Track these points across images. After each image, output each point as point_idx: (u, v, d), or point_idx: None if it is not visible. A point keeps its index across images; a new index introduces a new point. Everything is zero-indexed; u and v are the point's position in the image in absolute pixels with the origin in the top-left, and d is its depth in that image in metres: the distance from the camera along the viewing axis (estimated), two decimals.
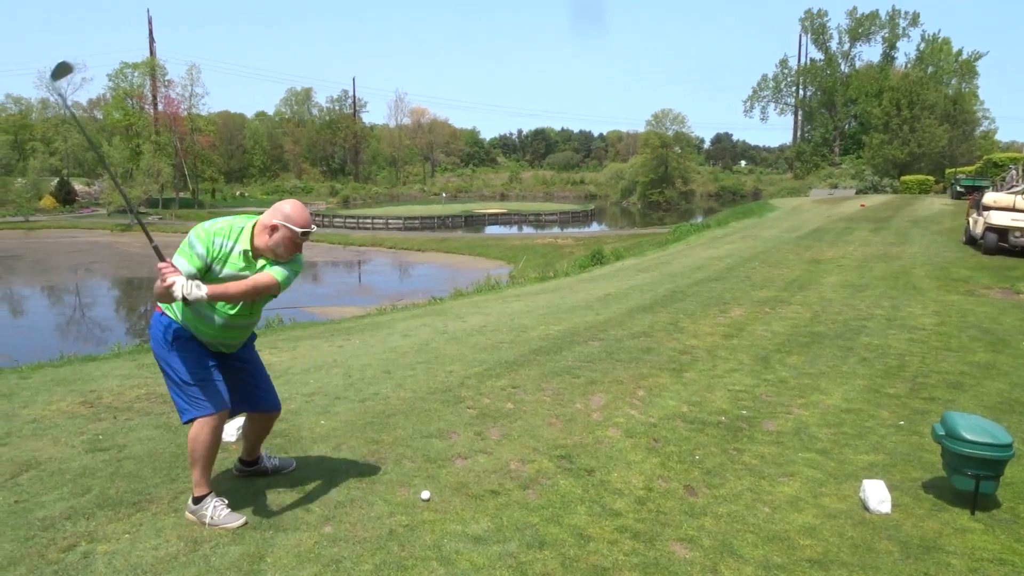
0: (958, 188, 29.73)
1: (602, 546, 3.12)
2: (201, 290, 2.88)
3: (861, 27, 65.39)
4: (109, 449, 4.08)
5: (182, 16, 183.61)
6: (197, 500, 3.19)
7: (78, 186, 56.88)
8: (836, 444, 4.39)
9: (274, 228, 3.10)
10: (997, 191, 18.04)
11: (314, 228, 3.21)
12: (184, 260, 2.99)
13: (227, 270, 3.07)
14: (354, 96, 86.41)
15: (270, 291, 3.12)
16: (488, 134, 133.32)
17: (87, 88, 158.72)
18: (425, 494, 3.52)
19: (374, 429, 4.44)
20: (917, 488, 3.79)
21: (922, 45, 62.39)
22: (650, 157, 65.47)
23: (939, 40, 61.10)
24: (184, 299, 2.86)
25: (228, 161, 73.75)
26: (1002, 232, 13.48)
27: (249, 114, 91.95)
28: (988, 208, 14.23)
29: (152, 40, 58.53)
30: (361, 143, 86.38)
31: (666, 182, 65.13)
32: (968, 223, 15.61)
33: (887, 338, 7.17)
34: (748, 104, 73.35)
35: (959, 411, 4.25)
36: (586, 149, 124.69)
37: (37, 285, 26.24)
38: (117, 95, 56.15)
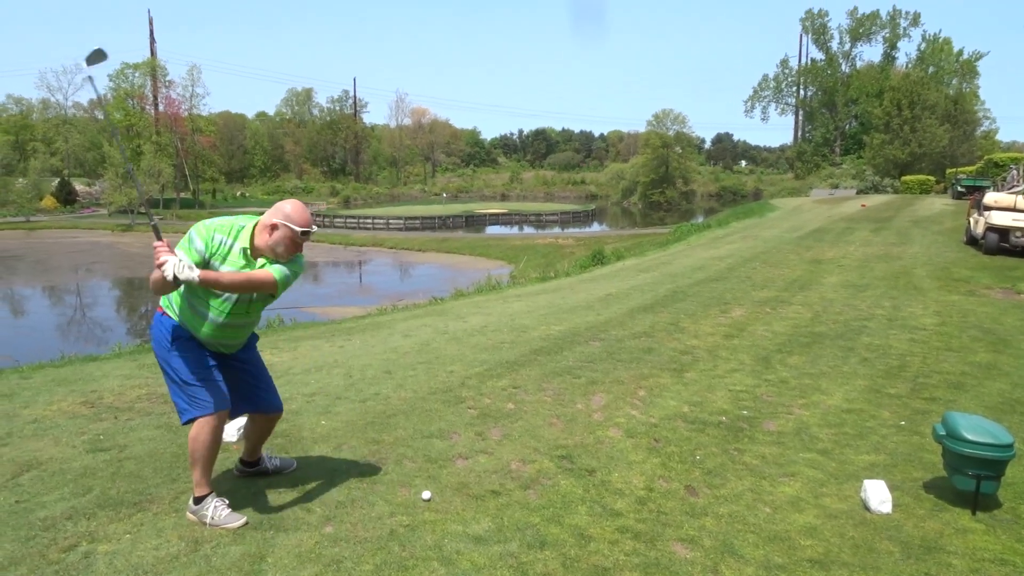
0: (959, 188, 29.71)
1: (603, 546, 3.12)
2: (193, 272, 2.88)
3: (862, 27, 65.39)
4: (110, 449, 4.08)
5: (183, 16, 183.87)
6: (198, 500, 3.20)
7: (79, 186, 56.96)
8: (837, 444, 4.39)
9: (274, 227, 3.11)
10: (998, 191, 18.05)
11: (315, 229, 3.20)
12: (183, 253, 3.00)
13: (226, 267, 3.07)
14: (355, 96, 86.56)
15: (265, 288, 3.10)
16: (489, 134, 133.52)
17: (88, 88, 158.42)
18: (426, 494, 3.52)
19: (375, 429, 4.44)
20: (918, 488, 3.79)
21: (923, 45, 62.43)
22: (651, 157, 65.48)
23: (940, 40, 61.11)
24: (175, 279, 2.85)
25: (229, 161, 73.79)
26: (1003, 232, 13.47)
27: (250, 114, 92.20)
28: (989, 208, 14.23)
29: (153, 40, 58.60)
30: (362, 143, 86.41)
31: (667, 182, 65.14)
32: (969, 223, 15.60)
33: (888, 338, 7.16)
34: (749, 104, 73.48)
35: (960, 411, 4.25)
36: (587, 149, 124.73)
37: (38, 285, 26.26)
38: (118, 95, 56.18)
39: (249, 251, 3.12)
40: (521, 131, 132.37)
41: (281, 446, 4.12)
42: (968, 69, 59.44)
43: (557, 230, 43.50)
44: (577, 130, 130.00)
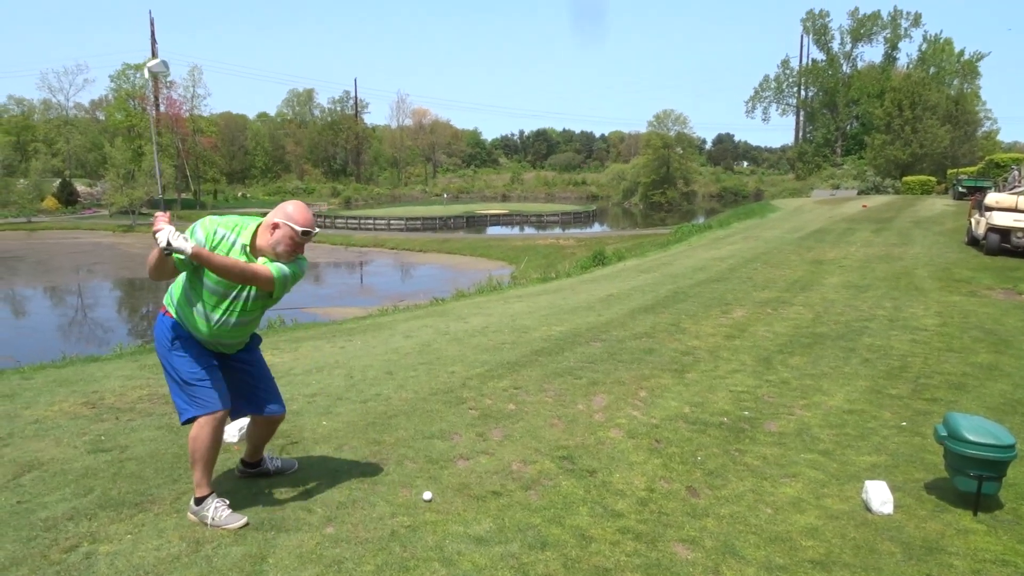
0: (960, 189, 29.67)
1: (604, 547, 3.12)
2: (187, 243, 2.88)
3: (863, 28, 65.34)
4: (111, 450, 4.09)
5: (184, 17, 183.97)
6: (199, 501, 3.20)
7: (80, 187, 56.97)
8: (838, 445, 4.38)
9: (276, 226, 3.12)
10: (999, 192, 18.04)
11: (316, 230, 3.20)
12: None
13: None
14: (356, 97, 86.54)
15: (260, 282, 3.08)
16: (490, 135, 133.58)
17: (89, 89, 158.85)
18: (427, 495, 3.52)
19: (376, 430, 4.44)
20: (919, 489, 3.78)
21: (924, 46, 62.35)
22: (652, 158, 65.47)
23: (941, 41, 61.07)
24: (168, 245, 2.86)
25: (230, 162, 73.84)
26: (1004, 233, 13.46)
27: (251, 115, 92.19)
28: (990, 209, 14.21)
29: (154, 41, 58.55)
30: (363, 144, 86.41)
31: (668, 183, 65.12)
32: (970, 224, 15.59)
33: (889, 339, 7.16)
34: (750, 105, 73.45)
35: (961, 412, 4.25)
36: (588, 150, 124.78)
37: (39, 286, 26.28)
38: (119, 96, 56.26)
39: (249, 248, 3.12)
40: (522, 132, 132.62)
41: (282, 446, 4.13)
42: (969, 69, 59.40)
43: (558, 231, 43.48)
44: (578, 131, 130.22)
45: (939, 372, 5.99)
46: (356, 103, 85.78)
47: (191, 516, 3.21)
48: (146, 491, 3.52)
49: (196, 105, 58.69)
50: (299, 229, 3.12)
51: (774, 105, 72.58)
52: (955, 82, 58.50)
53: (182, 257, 2.99)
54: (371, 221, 44.60)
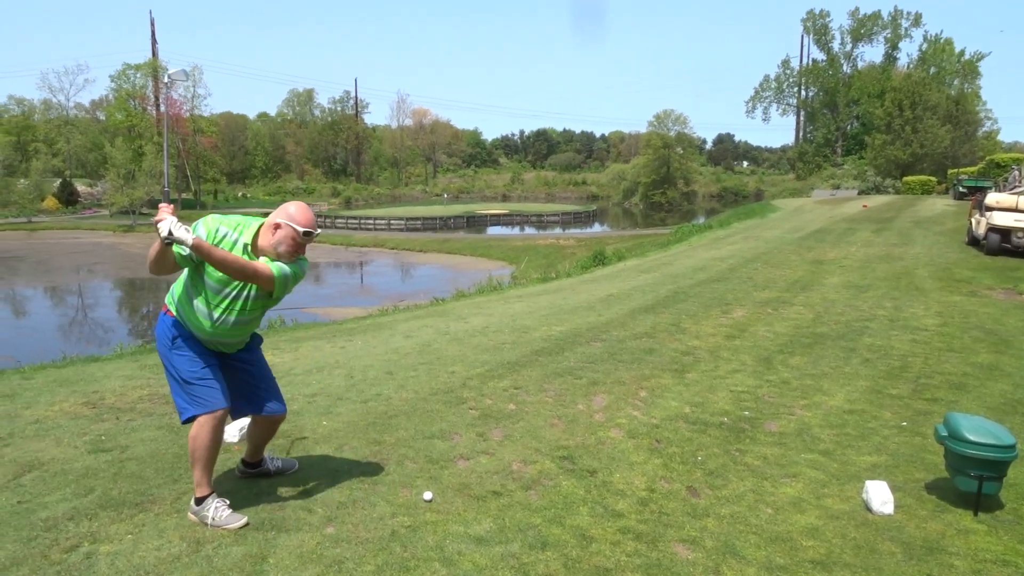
0: (960, 189, 29.67)
1: (604, 547, 3.12)
2: (188, 234, 2.89)
3: (863, 28, 65.33)
4: (112, 450, 4.09)
5: (184, 17, 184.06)
6: (199, 501, 3.20)
7: (80, 187, 56.98)
8: (839, 445, 4.38)
9: (277, 226, 3.13)
10: (1000, 192, 18.04)
11: (318, 231, 3.21)
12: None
13: None
14: (356, 97, 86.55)
15: (260, 280, 3.08)
16: (490, 135, 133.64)
17: (89, 89, 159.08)
18: (427, 495, 3.52)
19: (376, 430, 4.44)
20: (920, 489, 3.78)
21: (924, 46, 62.35)
22: (652, 158, 65.47)
23: (941, 41, 61.05)
24: (169, 234, 2.86)
25: (230, 162, 73.86)
26: (1005, 233, 13.46)
27: (251, 115, 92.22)
28: (991, 209, 14.21)
29: (154, 41, 58.68)
30: (363, 144, 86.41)
31: (668, 183, 65.13)
32: (971, 224, 15.59)
33: (890, 339, 7.16)
34: (750, 105, 73.43)
35: (962, 412, 4.25)
36: (588, 150, 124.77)
37: (40, 286, 26.29)
38: (119, 96, 56.27)
39: (250, 247, 3.12)
40: (522, 132, 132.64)
41: (282, 447, 4.13)
42: (970, 70, 59.39)
43: (558, 231, 43.49)
44: (578, 131, 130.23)
45: (939, 372, 5.99)
46: (356, 103, 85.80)
47: (191, 516, 3.21)
48: (146, 491, 3.52)
49: (196, 105, 58.78)
50: (301, 230, 3.12)
51: (774, 105, 72.65)
52: (955, 82, 58.50)
53: (183, 252, 3.00)
54: (371, 221, 44.61)
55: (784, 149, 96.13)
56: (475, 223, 47.14)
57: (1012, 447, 3.45)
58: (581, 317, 8.54)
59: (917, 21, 63.67)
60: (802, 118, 71.45)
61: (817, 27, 67.10)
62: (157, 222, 2.89)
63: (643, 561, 3.01)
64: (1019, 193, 14.82)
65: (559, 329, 7.75)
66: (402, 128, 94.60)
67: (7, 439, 4.29)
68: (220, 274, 3.06)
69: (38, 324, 19.93)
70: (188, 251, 2.97)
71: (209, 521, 3.15)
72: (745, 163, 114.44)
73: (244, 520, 3.18)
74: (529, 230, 45.12)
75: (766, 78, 72.63)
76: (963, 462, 3.49)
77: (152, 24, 59.89)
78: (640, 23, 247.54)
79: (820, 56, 67.81)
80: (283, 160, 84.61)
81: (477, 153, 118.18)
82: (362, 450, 4.11)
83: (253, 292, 3.15)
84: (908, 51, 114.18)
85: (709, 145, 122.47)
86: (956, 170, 38.81)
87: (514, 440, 4.34)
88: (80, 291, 25.48)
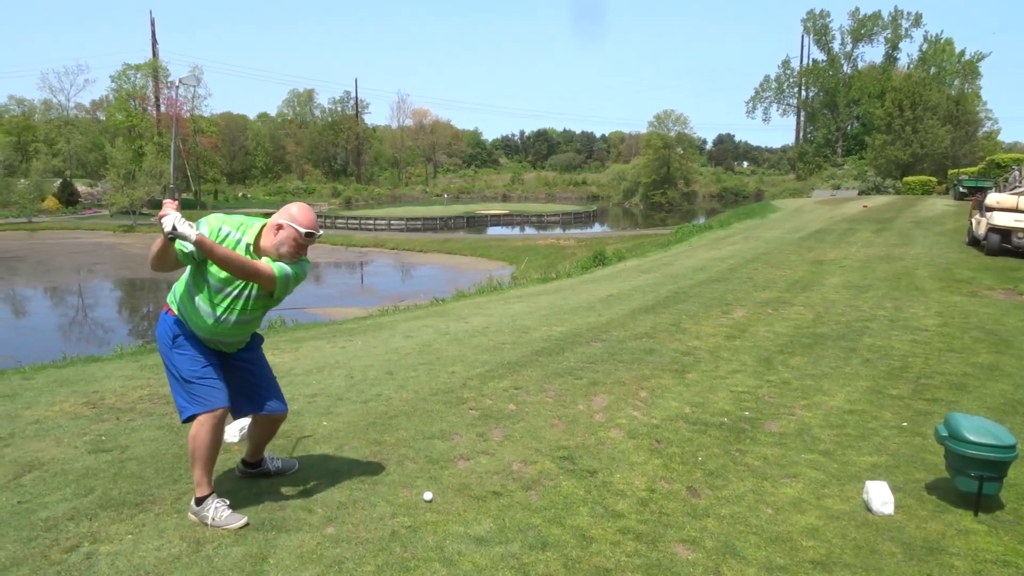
0: (961, 189, 29.68)
1: (604, 547, 3.12)
2: (192, 230, 2.90)
3: (863, 28, 65.35)
4: (112, 450, 4.09)
5: (184, 17, 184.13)
6: (199, 501, 3.20)
7: (81, 187, 56.98)
8: (839, 445, 4.38)
9: (279, 227, 3.15)
10: (1000, 192, 18.04)
11: (320, 232, 3.23)
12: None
13: None
14: (356, 97, 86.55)
15: (261, 279, 3.09)
16: (490, 135, 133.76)
17: (90, 89, 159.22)
18: (427, 495, 3.52)
19: (376, 430, 4.44)
20: (920, 489, 3.78)
21: (924, 46, 62.38)
22: (652, 158, 65.47)
23: (942, 41, 61.07)
24: (173, 229, 2.87)
25: (231, 162, 73.88)
26: (1005, 233, 13.46)
27: (251, 115, 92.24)
28: (991, 209, 14.21)
29: (155, 41, 58.73)
30: (363, 144, 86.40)
31: (668, 183, 65.12)
32: (971, 224, 15.58)
33: (890, 339, 7.15)
34: (750, 105, 73.47)
35: (962, 412, 4.24)
36: (588, 150, 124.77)
37: (40, 286, 26.29)
38: (120, 96, 56.30)
39: (252, 247, 3.14)
40: (522, 132, 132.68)
41: (283, 447, 4.13)
42: (970, 70, 59.40)
43: (558, 231, 43.47)
44: (578, 131, 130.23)
45: (940, 372, 5.99)
46: (356, 103, 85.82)
47: (191, 516, 3.21)
48: (147, 491, 3.52)
49: (197, 105, 58.82)
50: (303, 231, 3.14)
51: (775, 105, 72.71)
52: (956, 82, 58.50)
53: (185, 249, 3.00)
54: (371, 221, 44.61)
55: (784, 149, 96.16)
56: (475, 223, 47.13)
57: (1012, 447, 3.45)
58: (581, 317, 8.54)
59: (917, 21, 63.73)
60: (802, 118, 71.47)
61: (817, 27, 67.13)
62: (161, 217, 2.90)
63: (643, 561, 3.01)
64: (1019, 193, 14.81)
65: (559, 329, 7.75)
66: (402, 128, 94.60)
67: (7, 439, 4.29)
68: (223, 273, 3.07)
69: (38, 324, 19.93)
70: (191, 248, 2.97)
71: (209, 521, 3.15)
72: (745, 163, 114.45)
73: (244, 520, 3.18)
74: (529, 230, 45.11)
75: (766, 78, 72.83)
76: (963, 462, 3.49)
77: (152, 24, 59.94)
78: (640, 23, 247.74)
79: (820, 56, 67.94)
80: (283, 160, 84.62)
81: (477, 153, 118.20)
82: (362, 450, 4.11)
83: (255, 292, 3.16)
84: (908, 51, 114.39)
85: (709, 145, 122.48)
86: (956, 170, 38.81)
87: (514, 440, 4.34)
88: (80, 291, 25.48)
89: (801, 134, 71.72)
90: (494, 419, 4.70)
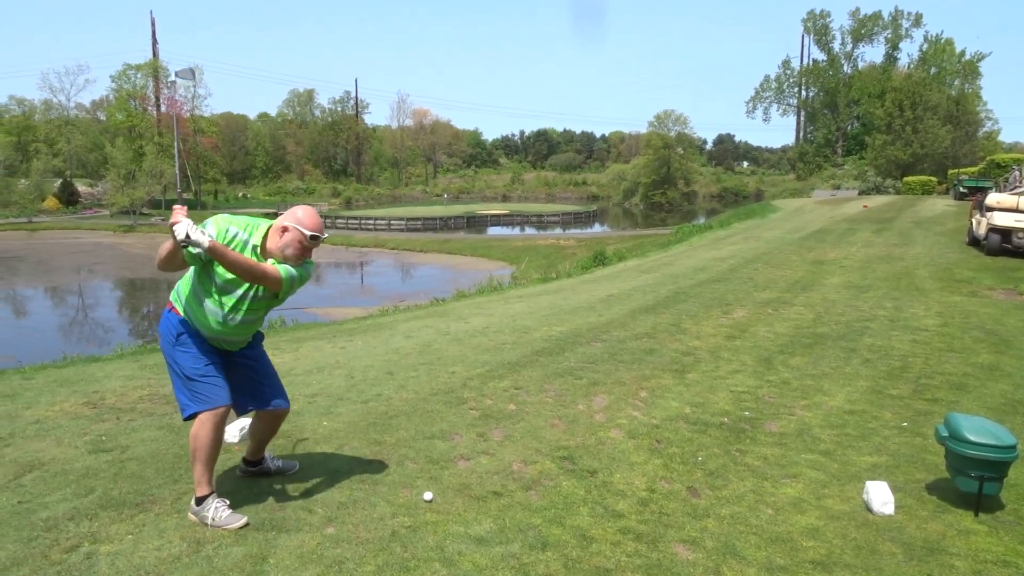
0: (961, 189, 29.67)
1: (605, 547, 3.12)
2: (204, 237, 2.92)
3: (864, 28, 65.35)
4: (112, 450, 4.09)
5: (184, 17, 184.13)
6: (199, 501, 3.20)
7: (81, 187, 57.00)
8: (839, 445, 4.38)
9: (285, 230, 3.18)
10: (1000, 192, 18.03)
11: (325, 235, 3.27)
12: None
13: None
14: (356, 97, 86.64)
15: (269, 282, 3.13)
16: (490, 135, 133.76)
17: (90, 89, 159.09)
18: (428, 495, 3.52)
19: (376, 430, 4.44)
20: (920, 490, 3.78)
21: (925, 46, 62.37)
22: (652, 158, 65.49)
23: (942, 41, 61.06)
24: (186, 237, 2.88)
25: (231, 162, 73.91)
26: (1005, 233, 13.46)
27: (252, 115, 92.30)
28: (991, 209, 14.21)
29: (155, 41, 58.75)
30: (363, 144, 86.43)
31: (668, 183, 65.14)
32: (971, 224, 15.58)
33: (890, 339, 7.15)
34: (750, 105, 73.48)
35: (962, 412, 4.24)
36: (588, 150, 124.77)
37: (40, 286, 26.29)
38: (120, 96, 56.30)
39: (260, 249, 3.17)
40: (522, 132, 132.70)
41: (283, 447, 4.13)
42: (970, 70, 59.39)
43: (558, 231, 43.49)
44: (578, 131, 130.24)
45: (940, 372, 5.99)
46: (356, 103, 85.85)
47: (192, 516, 3.21)
48: (147, 491, 3.52)
49: (197, 105, 58.84)
50: (308, 233, 3.18)
51: (775, 105, 72.73)
52: (956, 82, 58.49)
53: (194, 251, 3.02)
54: (371, 221, 44.63)
55: (784, 149, 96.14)
56: (475, 223, 47.15)
57: (1012, 447, 3.45)
58: (581, 317, 8.54)
59: (918, 21, 63.74)
60: (802, 118, 71.46)
61: (817, 27, 67.14)
62: (173, 224, 2.91)
63: (643, 561, 3.01)
64: (1020, 193, 14.81)
65: (559, 329, 7.74)
66: (402, 128, 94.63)
67: (8, 439, 4.29)
68: (229, 274, 3.11)
69: (39, 324, 19.93)
70: (198, 250, 2.99)
71: (209, 521, 3.15)
72: (745, 163, 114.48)
73: (244, 520, 3.18)
74: (529, 230, 45.12)
75: (766, 78, 72.84)
76: (964, 463, 3.49)
77: (153, 24, 59.94)
78: (640, 23, 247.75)
79: (820, 56, 67.94)
80: (283, 160, 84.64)
81: (477, 153, 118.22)
82: (362, 450, 4.11)
83: (260, 292, 3.21)
84: (909, 51, 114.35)
85: (709, 145, 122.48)
86: (956, 170, 38.80)
87: (514, 440, 4.34)
88: (80, 291, 25.48)
89: (801, 134, 71.72)
90: (494, 419, 4.71)
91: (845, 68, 67.19)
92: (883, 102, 51.64)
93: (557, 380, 5.64)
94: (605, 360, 6.29)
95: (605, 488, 3.72)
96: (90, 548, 2.98)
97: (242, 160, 79.21)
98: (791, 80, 71.09)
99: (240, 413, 3.51)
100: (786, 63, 72.38)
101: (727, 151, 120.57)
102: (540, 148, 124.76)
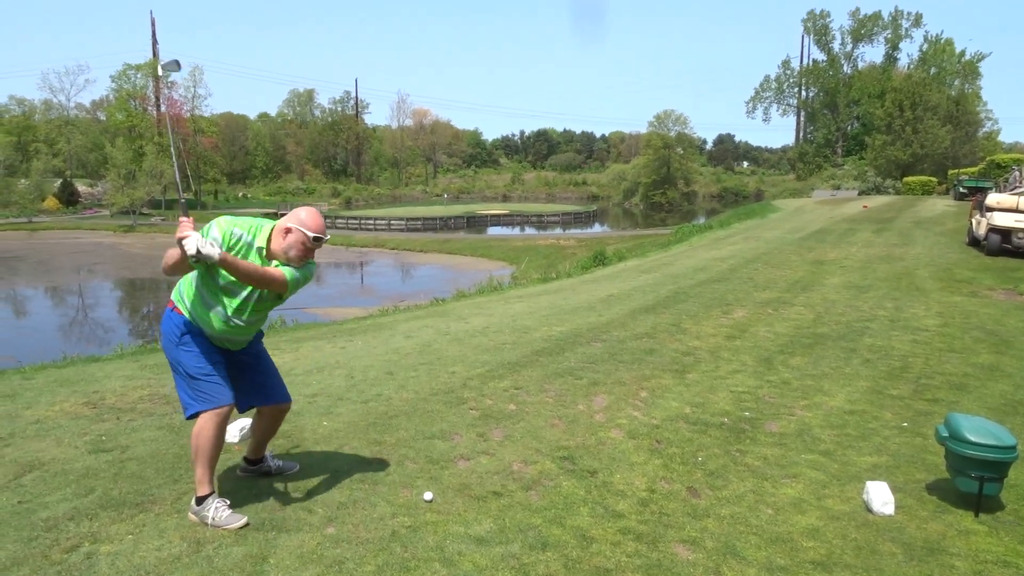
0: (961, 189, 29.67)
1: (605, 547, 3.12)
2: (215, 249, 2.92)
3: (864, 28, 65.36)
4: (112, 450, 4.09)
5: (184, 17, 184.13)
6: (199, 500, 3.20)
7: (81, 187, 57.02)
8: (839, 446, 4.38)
9: (288, 231, 3.20)
10: (1000, 192, 18.03)
11: (327, 236, 3.29)
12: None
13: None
14: (356, 97, 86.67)
15: (276, 285, 3.16)
16: (490, 135, 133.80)
17: (90, 89, 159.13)
18: (428, 495, 3.52)
19: (377, 430, 4.44)
20: (921, 490, 3.78)
21: (925, 46, 62.37)
22: (652, 158, 65.52)
23: (942, 41, 61.06)
24: (197, 253, 2.88)
25: (231, 162, 73.92)
26: (1005, 233, 13.46)
27: (252, 115, 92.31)
28: (991, 209, 14.21)
29: (155, 41, 58.73)
30: (363, 144, 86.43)
31: (668, 183, 65.16)
32: (971, 224, 15.58)
33: (890, 339, 7.15)
34: (750, 105, 73.49)
35: (963, 413, 4.24)
36: (588, 150, 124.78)
37: (40, 286, 26.29)
38: (120, 96, 56.28)
39: (264, 251, 3.19)
40: (522, 132, 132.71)
41: (283, 447, 4.13)
42: (970, 70, 59.40)
43: (559, 231, 43.50)
44: (578, 131, 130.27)
45: (940, 373, 5.99)
46: (357, 103, 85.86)
47: (192, 516, 3.21)
48: (147, 491, 3.52)
49: (197, 105, 58.85)
50: (311, 235, 3.20)
51: (775, 105, 72.75)
52: (956, 82, 58.50)
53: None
54: (372, 221, 44.63)
55: (784, 149, 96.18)
56: (475, 223, 47.15)
57: (1013, 448, 3.45)
58: (581, 317, 8.54)
59: (917, 21, 63.75)
60: (802, 118, 71.47)
61: (817, 27, 67.15)
62: (181, 239, 2.89)
63: (643, 562, 3.01)
64: (1020, 194, 14.81)
65: (559, 329, 7.74)
66: (402, 128, 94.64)
67: (8, 439, 4.29)
68: (234, 277, 3.10)
69: (39, 324, 19.93)
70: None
71: (209, 521, 3.15)
72: (745, 163, 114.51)
73: (244, 520, 3.18)
74: (529, 230, 45.12)
75: (766, 78, 72.84)
76: (964, 463, 3.49)
77: (153, 24, 59.89)
78: (640, 23, 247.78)
79: (820, 56, 67.96)
80: (283, 160, 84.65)
81: (477, 153, 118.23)
82: (362, 450, 4.11)
83: (264, 293, 3.23)
84: (908, 51, 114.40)
85: (709, 145, 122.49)
86: (956, 171, 38.81)
87: (514, 440, 4.34)
88: (80, 291, 25.48)
89: (801, 134, 71.71)
90: (494, 419, 4.70)
91: (845, 68, 67.21)
92: (883, 102, 51.65)
93: (557, 380, 5.64)
94: (605, 360, 6.29)
95: (605, 488, 3.72)
96: (90, 548, 2.98)
97: (242, 160, 79.22)
98: (791, 80, 71.16)
99: (243, 410, 3.52)
100: (786, 63, 72.55)
101: (727, 151, 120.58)
102: (540, 148, 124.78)
